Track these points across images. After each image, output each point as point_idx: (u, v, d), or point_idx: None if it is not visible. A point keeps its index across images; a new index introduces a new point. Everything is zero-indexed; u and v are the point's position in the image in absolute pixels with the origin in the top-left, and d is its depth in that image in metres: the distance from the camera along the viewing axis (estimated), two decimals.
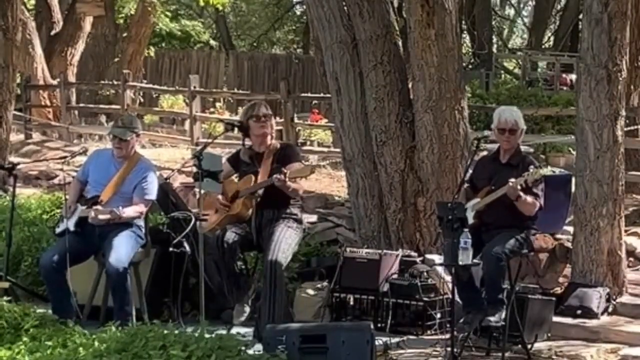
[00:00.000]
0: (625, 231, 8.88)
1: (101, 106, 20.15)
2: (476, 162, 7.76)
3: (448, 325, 7.63)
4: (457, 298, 7.17)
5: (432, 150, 8.87)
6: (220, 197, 7.69)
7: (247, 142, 7.89)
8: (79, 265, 7.65)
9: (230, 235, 7.51)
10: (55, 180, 13.31)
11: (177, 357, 5.79)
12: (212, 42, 32.91)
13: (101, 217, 7.50)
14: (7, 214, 8.46)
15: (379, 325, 7.86)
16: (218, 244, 7.47)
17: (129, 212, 7.61)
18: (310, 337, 6.39)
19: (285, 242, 7.48)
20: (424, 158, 8.91)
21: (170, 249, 7.81)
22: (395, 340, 7.56)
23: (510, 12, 40.17)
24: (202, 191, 7.27)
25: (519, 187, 6.99)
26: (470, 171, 7.69)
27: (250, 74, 28.09)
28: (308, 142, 15.80)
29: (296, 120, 15.14)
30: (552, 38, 33.10)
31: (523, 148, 7.66)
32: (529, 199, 7.08)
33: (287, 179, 7.33)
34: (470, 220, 7.11)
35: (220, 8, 25.96)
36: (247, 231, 7.62)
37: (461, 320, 7.14)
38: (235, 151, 8.09)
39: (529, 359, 7.22)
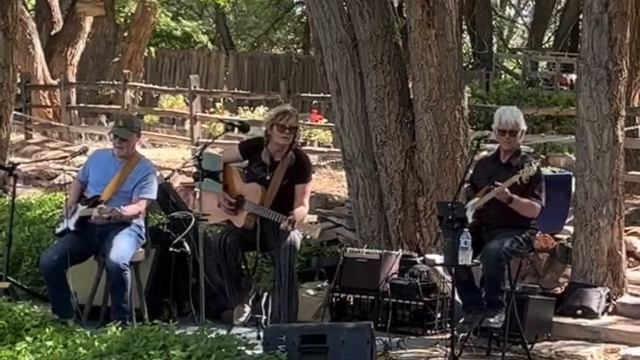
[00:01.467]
0: (625, 231, 8.88)
1: (101, 106, 20.14)
2: (477, 162, 7.76)
3: (448, 325, 7.64)
4: (457, 298, 7.18)
5: (432, 150, 8.87)
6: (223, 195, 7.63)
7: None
8: (79, 265, 7.65)
9: (232, 237, 7.50)
10: (55, 180, 13.31)
11: (177, 357, 5.79)
12: (211, 43, 32.90)
13: (105, 215, 7.51)
14: (7, 214, 8.47)
15: (379, 325, 7.85)
16: (220, 245, 7.47)
17: (129, 210, 7.61)
18: (310, 337, 6.39)
19: (294, 246, 7.50)
20: (424, 158, 8.91)
21: (170, 249, 7.81)
22: (395, 340, 7.57)
23: (510, 12, 40.19)
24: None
25: (506, 189, 6.97)
26: (471, 171, 7.69)
27: (250, 74, 28.08)
28: (308, 142, 15.79)
29: None
30: (552, 38, 33.10)
31: (523, 148, 7.66)
32: (524, 200, 7.06)
33: (294, 229, 7.35)
34: (470, 220, 7.11)
35: (222, 4, 25.94)
36: (249, 233, 7.60)
37: (461, 320, 7.14)
38: (255, 140, 7.89)
39: (529, 359, 7.22)
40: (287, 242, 7.43)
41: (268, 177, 7.58)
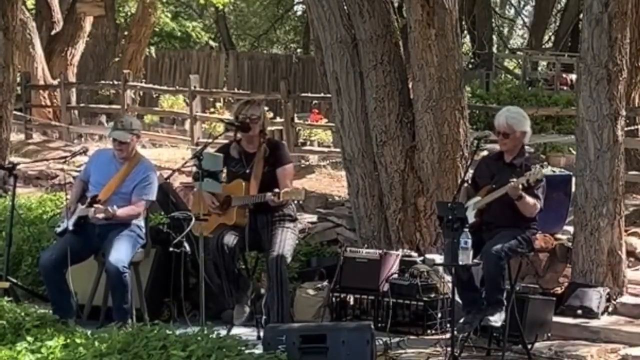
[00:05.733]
0: (625, 231, 8.88)
1: (101, 106, 20.14)
2: (479, 160, 7.77)
3: (448, 325, 7.64)
4: (457, 298, 7.18)
5: (432, 150, 8.87)
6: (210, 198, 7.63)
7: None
8: (79, 265, 7.66)
9: (229, 238, 7.48)
10: (56, 180, 13.32)
11: (177, 357, 5.79)
12: (212, 42, 32.90)
13: (99, 215, 7.51)
14: (7, 214, 8.47)
15: (379, 325, 7.85)
16: (217, 246, 7.45)
17: (124, 211, 7.60)
18: (310, 337, 6.40)
19: (288, 244, 7.50)
20: (424, 158, 8.91)
21: (170, 249, 7.81)
22: (395, 340, 7.56)
23: (510, 12, 40.22)
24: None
25: (520, 186, 6.98)
26: (471, 170, 7.69)
27: (250, 73, 28.07)
28: (308, 142, 15.79)
29: (296, 120, 15.14)
30: (552, 38, 33.12)
31: (526, 148, 7.65)
32: (530, 199, 7.07)
33: (281, 199, 7.30)
34: (471, 219, 7.10)
35: (221, 7, 25.93)
36: (246, 232, 7.60)
37: (461, 320, 7.14)
38: (224, 144, 7.95)
39: (529, 359, 7.22)
40: (277, 246, 7.43)
41: (248, 170, 7.59)
